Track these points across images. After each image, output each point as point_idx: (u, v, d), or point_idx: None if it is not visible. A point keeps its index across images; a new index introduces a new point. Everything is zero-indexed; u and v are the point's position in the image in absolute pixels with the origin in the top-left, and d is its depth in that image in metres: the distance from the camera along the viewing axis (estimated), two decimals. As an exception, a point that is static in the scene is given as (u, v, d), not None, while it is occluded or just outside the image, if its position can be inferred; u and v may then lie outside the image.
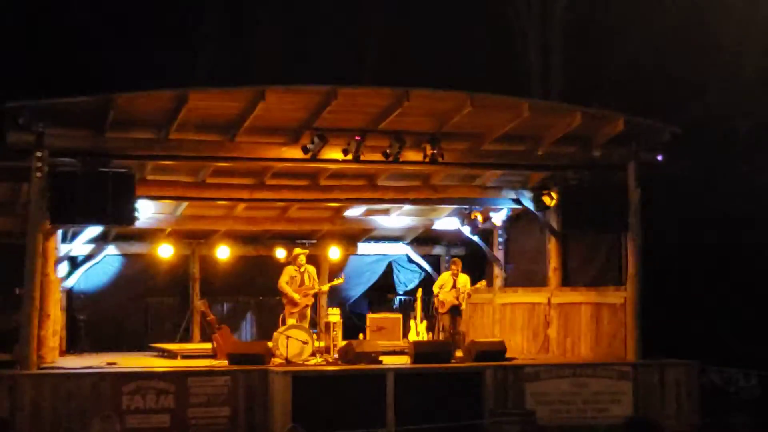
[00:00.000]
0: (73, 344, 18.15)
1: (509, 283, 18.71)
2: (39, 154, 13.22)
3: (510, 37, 27.33)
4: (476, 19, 26.62)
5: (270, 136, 14.77)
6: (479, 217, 18.34)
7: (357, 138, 14.41)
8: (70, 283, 18.57)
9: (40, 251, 13.47)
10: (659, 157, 15.58)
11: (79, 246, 18.23)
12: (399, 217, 19.40)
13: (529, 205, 17.03)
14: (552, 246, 17.27)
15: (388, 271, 21.67)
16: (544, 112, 15.28)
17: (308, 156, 14.42)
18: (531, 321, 17.63)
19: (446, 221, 19.46)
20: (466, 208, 18.48)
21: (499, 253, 18.92)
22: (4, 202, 16.27)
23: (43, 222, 13.45)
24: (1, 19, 25.38)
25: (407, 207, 18.78)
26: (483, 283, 17.34)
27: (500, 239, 18.93)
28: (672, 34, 23.00)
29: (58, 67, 24.77)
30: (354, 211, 19.05)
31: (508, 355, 15.13)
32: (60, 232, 16.30)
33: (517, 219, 18.61)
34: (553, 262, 17.23)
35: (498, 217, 18.51)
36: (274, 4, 28.36)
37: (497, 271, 18.86)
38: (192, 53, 27.56)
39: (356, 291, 21.30)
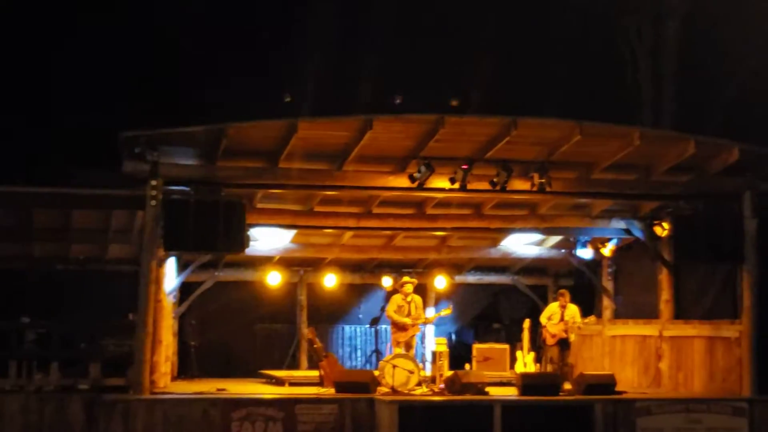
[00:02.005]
0: (183, 370, 18.45)
1: (619, 314, 18.40)
2: (154, 182, 13.51)
3: (621, 65, 27.07)
4: (587, 47, 26.43)
5: (377, 164, 14.84)
6: (588, 247, 18.11)
7: (464, 167, 14.37)
8: (181, 309, 18.91)
9: (153, 278, 13.74)
10: (776, 187, 15.16)
11: (191, 272, 18.57)
12: (505, 247, 19.24)
13: (640, 235, 16.75)
14: (663, 277, 16.94)
15: (495, 301, 21.52)
16: (655, 140, 15.00)
17: (415, 185, 14.45)
18: (642, 354, 17.27)
19: (554, 251, 19.25)
20: (574, 238, 18.26)
21: (608, 284, 18.62)
22: (119, 229, 16.70)
23: (156, 249, 13.73)
24: (119, 52, 26.21)
25: (514, 236, 18.63)
26: (592, 319, 17.06)
27: (609, 270, 18.65)
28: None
29: (172, 96, 25.43)
30: (460, 240, 18.98)
31: (618, 388, 14.83)
32: (173, 258, 16.63)
33: (627, 249, 18.29)
34: (665, 294, 16.89)
35: (607, 248, 18.20)
36: (375, 33, 28.59)
37: (606, 303, 18.56)
38: (298, 81, 27.96)
39: (462, 320, 21.21)
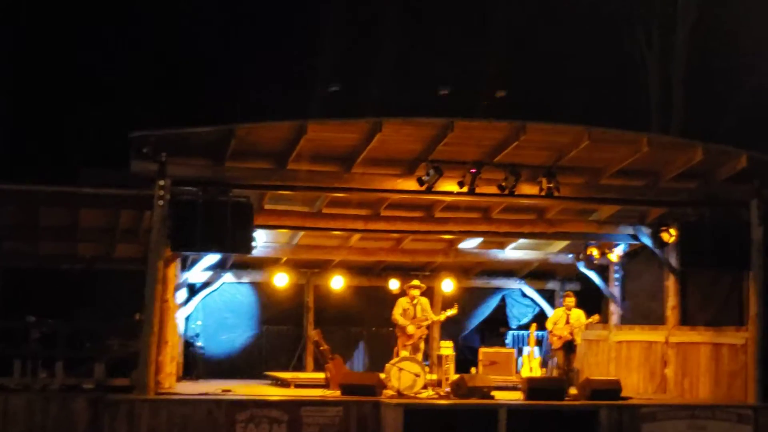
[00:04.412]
0: (189, 370, 18.44)
1: (625, 320, 18.36)
2: (161, 182, 13.51)
3: (631, 71, 27.05)
4: (597, 53, 26.40)
5: (385, 167, 14.85)
6: (595, 253, 18.11)
7: (472, 170, 14.37)
8: (187, 309, 18.91)
9: (160, 278, 13.74)
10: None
11: (197, 273, 18.56)
12: (513, 251, 19.23)
13: (647, 241, 16.73)
14: (670, 284, 16.92)
15: (501, 305, 21.50)
16: (664, 147, 14.99)
17: (423, 188, 14.45)
18: (648, 360, 17.24)
19: (561, 256, 19.23)
20: (581, 243, 18.23)
21: (615, 290, 18.59)
22: (127, 229, 16.72)
23: (163, 249, 13.73)
24: (132, 52, 26.30)
25: (522, 241, 18.62)
26: (596, 318, 17.02)
27: (616, 275, 18.61)
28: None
29: (181, 96, 25.47)
30: (468, 244, 18.97)
31: (623, 394, 14.81)
32: (180, 259, 16.63)
33: (634, 255, 18.28)
34: (671, 301, 16.87)
35: (614, 253, 18.18)
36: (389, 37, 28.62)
37: (613, 308, 18.52)
38: (307, 83, 27.99)
39: (469, 324, 21.18)
